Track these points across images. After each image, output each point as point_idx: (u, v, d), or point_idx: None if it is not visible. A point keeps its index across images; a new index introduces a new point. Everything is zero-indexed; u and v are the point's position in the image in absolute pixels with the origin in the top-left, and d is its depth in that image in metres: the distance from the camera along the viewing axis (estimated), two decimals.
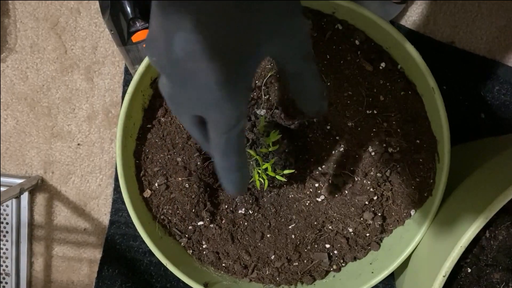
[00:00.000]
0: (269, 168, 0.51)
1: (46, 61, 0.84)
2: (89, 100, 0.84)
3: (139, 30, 0.70)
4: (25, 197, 0.85)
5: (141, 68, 0.52)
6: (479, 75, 0.81)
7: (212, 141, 0.33)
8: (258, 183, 0.52)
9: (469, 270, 0.47)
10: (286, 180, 0.53)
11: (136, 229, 0.84)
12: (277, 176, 0.51)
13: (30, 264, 0.89)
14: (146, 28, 0.70)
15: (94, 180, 0.86)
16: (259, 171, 0.51)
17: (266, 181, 0.51)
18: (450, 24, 0.81)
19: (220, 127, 0.31)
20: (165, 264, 0.55)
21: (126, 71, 0.83)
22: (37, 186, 0.86)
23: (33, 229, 0.88)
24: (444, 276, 0.43)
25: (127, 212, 0.85)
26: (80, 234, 0.89)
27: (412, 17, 0.80)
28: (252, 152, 0.50)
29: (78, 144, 0.85)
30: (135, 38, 0.71)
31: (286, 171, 0.52)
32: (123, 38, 0.72)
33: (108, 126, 0.85)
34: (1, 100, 0.84)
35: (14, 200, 0.83)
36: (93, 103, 0.84)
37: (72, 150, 0.86)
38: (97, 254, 0.88)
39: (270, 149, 0.50)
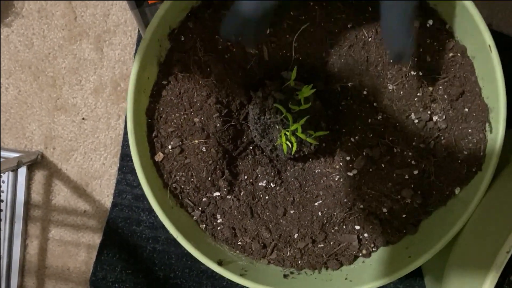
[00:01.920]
0: (299, 129, 0.45)
1: (53, 27, 0.78)
2: (97, 72, 0.79)
3: None
4: (22, 173, 0.79)
5: (160, 10, 0.46)
6: None
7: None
8: (285, 147, 0.45)
9: None
10: (317, 144, 0.47)
11: (139, 214, 0.79)
12: (307, 139, 0.45)
13: (24, 246, 0.82)
14: None
15: (98, 159, 0.80)
16: (287, 133, 0.45)
17: (295, 144, 0.45)
18: (488, 5, 0.76)
19: None
20: (175, 237, 0.49)
21: (139, 41, 0.77)
22: (36, 162, 0.80)
23: (29, 209, 0.82)
24: (508, 252, 0.37)
25: (131, 195, 0.78)
26: (80, 216, 0.82)
27: None
28: (281, 108, 0.43)
29: (83, 119, 0.79)
30: None
31: (319, 133, 0.46)
32: None
33: (116, 100, 0.79)
34: (3, 67, 0.79)
35: (10, 175, 0.77)
36: (101, 75, 0.79)
37: (76, 125, 0.80)
38: (97, 239, 0.81)
39: (301, 107, 0.44)
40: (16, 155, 0.78)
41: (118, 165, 0.80)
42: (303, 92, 0.43)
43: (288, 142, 0.45)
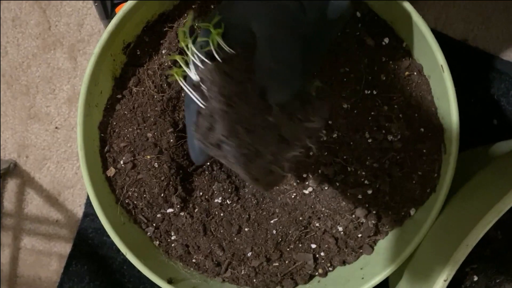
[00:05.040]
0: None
1: (27, 36, 0.78)
2: (71, 81, 0.78)
3: (124, 1, 0.65)
4: None
5: (111, 26, 0.46)
6: (493, 77, 0.75)
7: None
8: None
9: (475, 278, 0.39)
10: None
11: None
12: None
13: None
14: None
15: (71, 168, 0.80)
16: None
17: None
18: (464, 20, 0.75)
19: None
20: (124, 254, 0.48)
21: None
22: (9, 171, 0.79)
23: (1, 217, 0.81)
24: (445, 281, 0.36)
25: None
26: (52, 225, 0.82)
27: (422, 10, 0.74)
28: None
29: (56, 128, 0.79)
30: (120, 10, 0.65)
31: None
32: (106, 10, 0.66)
33: None
34: None
35: None
36: (74, 84, 0.78)
37: (49, 134, 0.79)
38: (68, 249, 0.80)
39: None
40: None
41: None
42: None
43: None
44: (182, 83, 0.34)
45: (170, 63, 0.49)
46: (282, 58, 0.33)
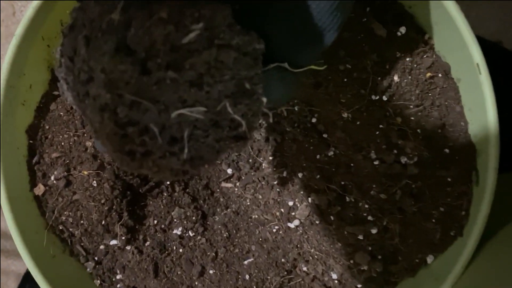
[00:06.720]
0: None
1: None
2: None
3: None
4: None
5: (38, 0, 0.35)
6: None
7: None
8: None
9: None
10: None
11: None
12: None
13: None
14: None
15: None
16: None
17: None
18: (498, 18, 0.63)
19: None
20: None
21: None
22: None
23: None
24: None
25: None
26: (10, 240, 0.71)
27: None
28: None
29: None
30: None
31: None
32: None
33: None
34: None
35: None
36: None
37: None
38: None
39: None
40: None
41: None
42: None
43: None
44: None
45: None
46: None
